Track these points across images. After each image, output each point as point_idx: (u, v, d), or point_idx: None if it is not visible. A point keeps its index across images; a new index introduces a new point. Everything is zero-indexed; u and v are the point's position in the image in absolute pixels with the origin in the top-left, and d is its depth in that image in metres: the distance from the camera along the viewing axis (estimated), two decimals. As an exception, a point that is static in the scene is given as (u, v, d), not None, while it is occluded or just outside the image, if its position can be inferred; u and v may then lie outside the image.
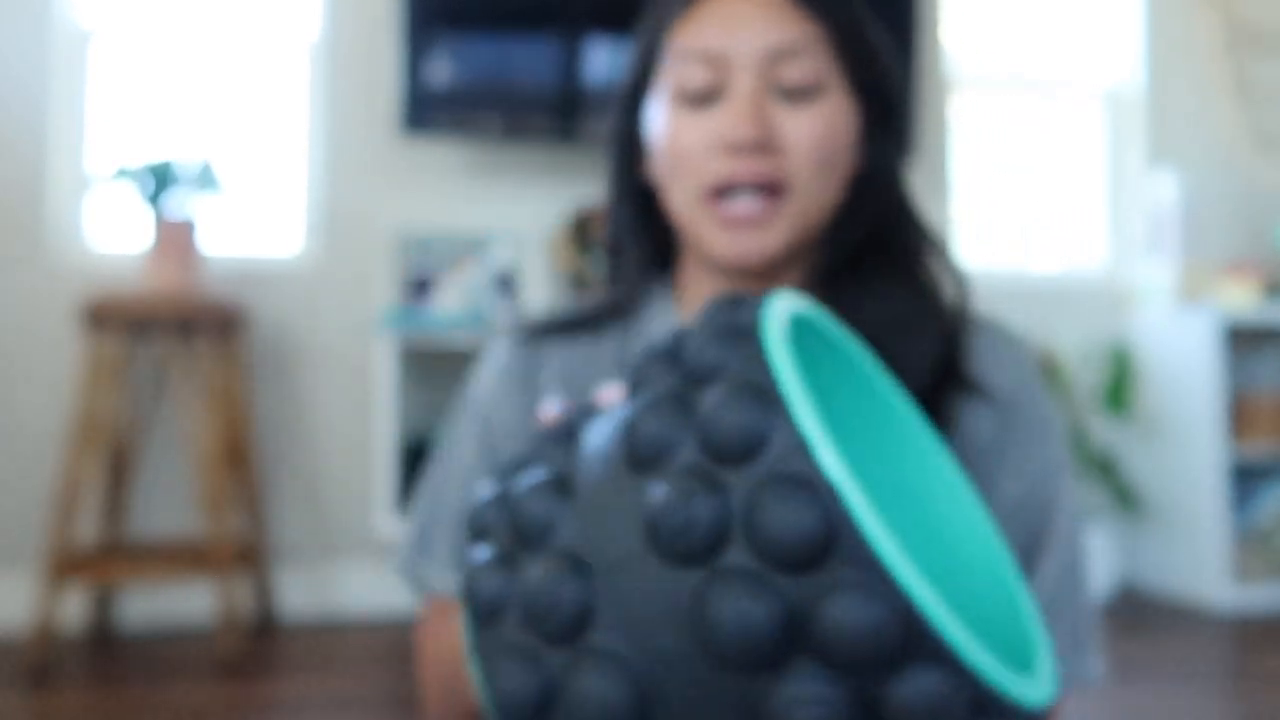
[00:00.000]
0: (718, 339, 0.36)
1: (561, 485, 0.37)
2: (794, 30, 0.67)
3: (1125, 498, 2.94)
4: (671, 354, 0.38)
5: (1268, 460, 3.10)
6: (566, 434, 0.40)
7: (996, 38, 3.39)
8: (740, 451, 0.32)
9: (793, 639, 0.31)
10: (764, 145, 0.66)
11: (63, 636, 2.37)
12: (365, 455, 2.74)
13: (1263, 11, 3.43)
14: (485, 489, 0.41)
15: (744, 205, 0.67)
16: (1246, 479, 3.11)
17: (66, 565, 2.24)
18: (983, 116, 3.37)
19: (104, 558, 2.46)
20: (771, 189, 0.68)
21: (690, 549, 0.32)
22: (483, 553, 0.39)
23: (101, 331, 2.37)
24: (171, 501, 2.67)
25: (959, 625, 0.31)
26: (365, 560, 2.77)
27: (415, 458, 2.63)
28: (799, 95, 0.67)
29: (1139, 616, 2.72)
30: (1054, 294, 3.26)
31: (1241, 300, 2.98)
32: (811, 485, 0.31)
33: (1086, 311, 3.27)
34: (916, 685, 0.30)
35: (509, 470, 0.41)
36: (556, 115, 2.82)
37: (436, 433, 2.69)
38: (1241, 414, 3.00)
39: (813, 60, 0.67)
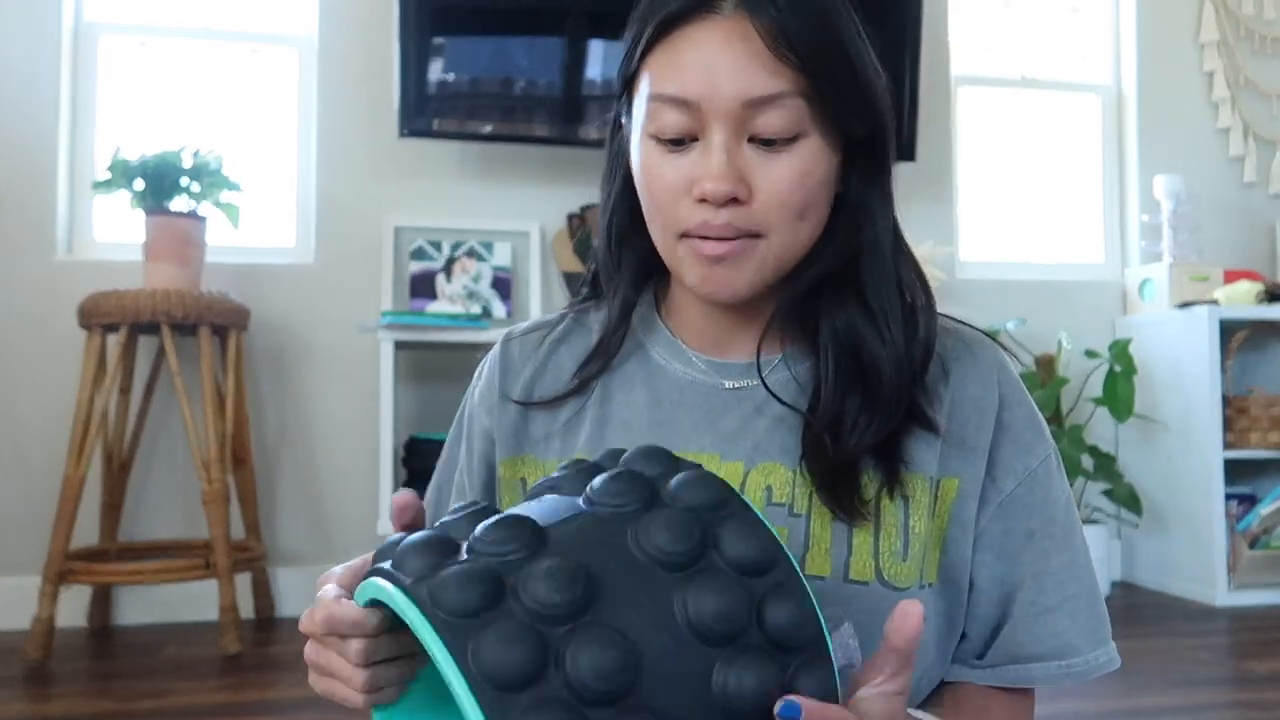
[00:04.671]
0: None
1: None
2: (771, 81, 0.64)
3: (1129, 498, 2.93)
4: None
5: (1266, 460, 3.10)
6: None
7: (998, 38, 3.40)
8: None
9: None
10: (737, 197, 0.66)
11: (63, 636, 2.37)
12: (364, 454, 2.74)
13: (1261, 12, 3.43)
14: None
15: (716, 244, 0.67)
16: (1245, 479, 3.12)
17: (67, 565, 2.25)
18: (984, 115, 3.37)
19: (104, 557, 2.47)
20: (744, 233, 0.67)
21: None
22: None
23: (102, 330, 2.37)
24: (172, 501, 2.68)
25: None
26: (365, 560, 2.76)
27: (414, 456, 2.63)
28: (774, 143, 0.66)
29: (1137, 615, 2.72)
30: (1054, 294, 3.26)
31: (1240, 300, 2.98)
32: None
33: (1086, 311, 3.27)
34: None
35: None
36: (556, 115, 2.82)
37: (435, 431, 2.69)
38: (1240, 414, 3.00)
39: (790, 110, 0.65)
